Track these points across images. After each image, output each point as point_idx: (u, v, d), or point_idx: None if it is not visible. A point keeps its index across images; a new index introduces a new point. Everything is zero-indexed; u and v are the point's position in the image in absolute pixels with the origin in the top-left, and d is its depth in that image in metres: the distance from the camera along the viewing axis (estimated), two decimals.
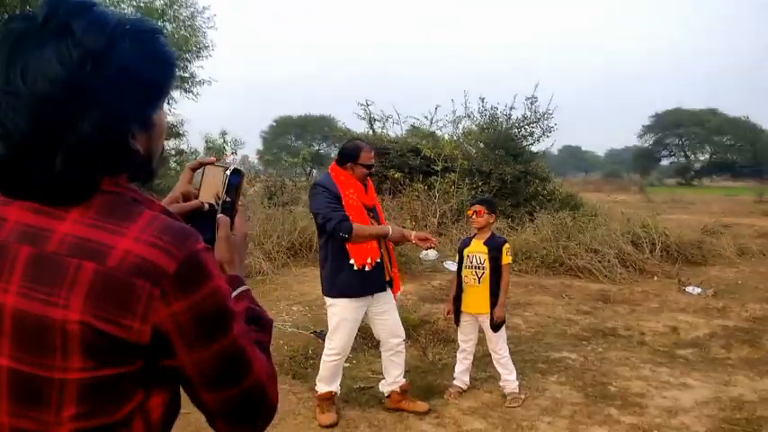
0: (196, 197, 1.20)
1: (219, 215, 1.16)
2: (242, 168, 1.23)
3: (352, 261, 3.66)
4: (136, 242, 0.83)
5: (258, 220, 9.70)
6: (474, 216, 4.30)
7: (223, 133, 13.42)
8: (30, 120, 0.80)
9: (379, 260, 3.74)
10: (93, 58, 0.81)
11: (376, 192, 4.22)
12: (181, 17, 11.27)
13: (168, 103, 11.48)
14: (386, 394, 4.04)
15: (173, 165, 12.62)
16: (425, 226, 10.64)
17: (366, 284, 3.74)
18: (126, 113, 0.86)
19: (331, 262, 3.76)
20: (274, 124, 55.79)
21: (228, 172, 1.19)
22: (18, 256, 0.83)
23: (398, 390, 3.96)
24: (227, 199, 1.18)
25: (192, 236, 0.89)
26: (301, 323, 5.91)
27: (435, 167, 11.83)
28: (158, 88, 0.93)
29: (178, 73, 11.26)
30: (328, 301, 3.85)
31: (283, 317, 6.11)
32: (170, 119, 11.67)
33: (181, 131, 11.77)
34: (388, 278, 3.86)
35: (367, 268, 3.69)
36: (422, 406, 3.93)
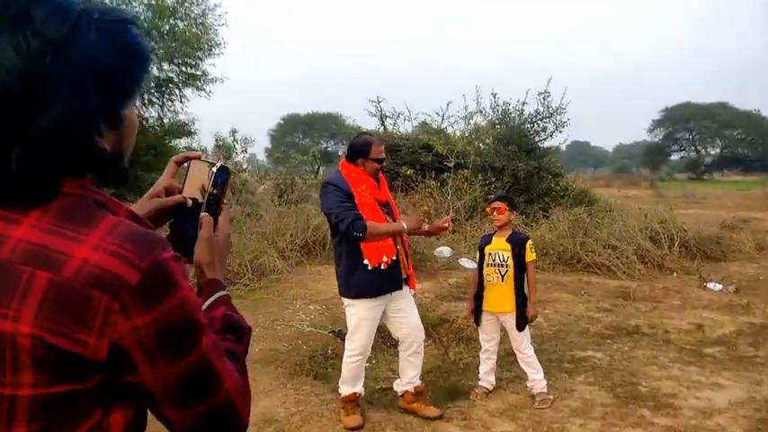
0: (180, 192, 1.13)
1: (203, 214, 1.10)
2: (229, 166, 1.16)
3: (366, 261, 3.56)
4: (95, 250, 0.76)
5: (271, 218, 9.63)
6: (494, 213, 4.19)
7: (233, 132, 13.32)
8: None
9: (395, 258, 3.63)
10: (54, 47, 0.75)
11: (388, 188, 4.11)
12: (192, 15, 11.17)
13: (181, 102, 11.46)
14: (399, 393, 3.95)
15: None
16: None
17: (383, 284, 3.64)
18: (91, 109, 0.79)
19: (346, 262, 3.66)
20: (282, 122, 55.80)
21: (215, 169, 1.12)
22: None
23: (412, 390, 3.86)
24: (213, 194, 1.11)
25: (157, 244, 0.81)
26: (319, 322, 5.82)
27: (448, 164, 11.72)
28: (128, 82, 0.86)
29: (190, 71, 11.40)
30: (345, 301, 3.76)
31: (300, 316, 6.03)
32: (182, 117, 11.63)
33: (192, 130, 11.70)
34: (405, 275, 3.75)
35: (383, 267, 3.58)
36: (433, 411, 3.80)
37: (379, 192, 3.76)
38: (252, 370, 4.41)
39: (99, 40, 0.79)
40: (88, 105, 0.78)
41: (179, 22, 10.95)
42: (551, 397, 4.01)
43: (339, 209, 3.54)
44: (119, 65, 0.82)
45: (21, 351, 0.74)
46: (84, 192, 0.82)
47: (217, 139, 12.99)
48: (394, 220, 3.75)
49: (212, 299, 1.03)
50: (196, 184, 1.13)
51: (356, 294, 3.66)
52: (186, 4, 11.01)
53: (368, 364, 4.71)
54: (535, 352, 4.21)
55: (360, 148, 3.73)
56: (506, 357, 4.66)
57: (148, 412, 0.88)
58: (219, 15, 11.63)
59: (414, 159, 12.71)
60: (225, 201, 1.14)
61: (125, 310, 0.76)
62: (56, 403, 0.76)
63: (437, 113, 14.55)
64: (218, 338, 0.90)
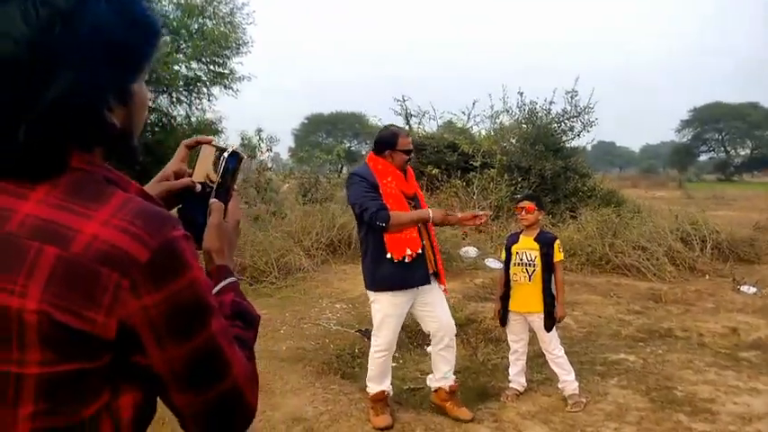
0: (189, 177, 1.11)
1: (212, 200, 1.07)
2: (240, 151, 1.13)
3: (389, 254, 3.51)
4: (104, 226, 0.75)
5: (296, 217, 9.65)
6: (523, 213, 4.12)
7: (258, 131, 13.39)
8: None
9: (420, 251, 3.57)
10: (63, 17, 0.73)
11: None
12: (220, 13, 11.23)
13: (209, 100, 11.52)
14: (432, 389, 3.90)
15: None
16: None
17: (408, 277, 3.58)
18: (99, 80, 0.78)
19: (371, 255, 3.62)
20: (306, 122, 56.03)
21: (226, 154, 1.10)
22: None
23: (447, 388, 3.81)
24: (223, 179, 1.09)
25: (168, 221, 0.80)
26: (345, 321, 5.80)
27: (473, 163, 11.63)
28: (137, 55, 0.84)
29: (218, 69, 11.47)
30: (371, 295, 3.72)
31: (327, 314, 6.01)
32: (209, 116, 11.70)
33: (219, 128, 11.78)
34: (431, 270, 3.69)
35: (407, 260, 3.52)
36: (465, 413, 3.72)
37: (406, 184, 3.71)
38: (280, 368, 4.45)
39: (108, 12, 0.77)
40: (96, 77, 0.77)
41: (207, 20, 11.02)
42: (584, 400, 3.93)
43: (363, 199, 3.52)
44: (128, 37, 0.80)
45: (27, 327, 0.72)
46: (93, 168, 0.80)
47: (242, 138, 13.08)
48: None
49: (221, 285, 1.02)
50: (206, 168, 1.11)
51: (380, 287, 3.62)
52: (215, 3, 11.07)
53: (395, 364, 4.67)
54: (566, 354, 4.13)
55: (387, 139, 3.69)
56: (536, 359, 4.58)
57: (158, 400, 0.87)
58: (247, 14, 11.73)
59: (439, 159, 12.66)
60: (235, 187, 1.12)
61: (135, 288, 0.75)
62: (63, 382, 0.74)
63: (462, 112, 14.50)
64: (227, 323, 0.89)
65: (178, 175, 1.12)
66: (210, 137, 1.17)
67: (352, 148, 41.22)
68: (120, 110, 0.83)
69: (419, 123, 14.14)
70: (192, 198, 1.09)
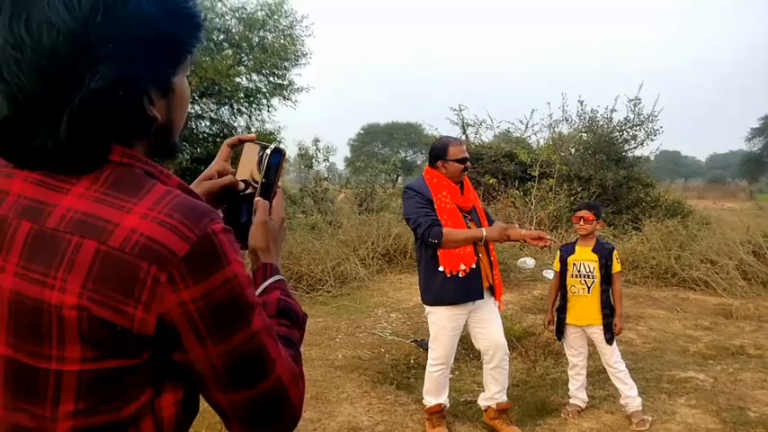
0: (233, 175, 1.09)
1: (257, 198, 1.05)
2: (283, 147, 1.10)
3: (441, 268, 3.45)
4: (143, 219, 0.73)
5: (352, 226, 9.71)
6: (581, 222, 4.00)
7: (315, 141, 13.58)
8: (34, 75, 0.71)
9: (474, 266, 3.48)
10: (105, 6, 0.72)
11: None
12: (280, 26, 11.47)
13: (268, 111, 11.78)
14: (482, 408, 3.81)
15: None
16: None
17: (461, 292, 3.50)
18: (140, 72, 0.76)
19: (425, 268, 3.57)
20: (362, 132, 56.45)
21: (268, 151, 1.07)
22: (17, 232, 0.74)
23: (495, 406, 3.71)
24: (266, 177, 1.06)
25: (208, 214, 0.78)
26: (401, 331, 5.77)
27: (531, 173, 11.44)
28: (178, 47, 0.83)
29: (277, 81, 11.72)
30: (426, 308, 3.67)
31: (382, 324, 6.00)
32: (268, 126, 11.94)
33: (278, 139, 12.00)
34: (487, 285, 3.61)
35: (460, 275, 3.45)
36: (514, 431, 3.64)
37: (462, 198, 3.63)
38: (335, 377, 4.45)
39: (149, 3, 0.76)
40: (137, 69, 0.76)
41: (268, 33, 11.28)
42: (649, 418, 3.76)
43: (416, 214, 3.48)
44: (169, 29, 0.79)
45: (67, 323, 0.71)
46: (133, 161, 0.79)
47: (300, 148, 13.28)
48: (479, 228, 3.62)
49: (267, 283, 0.99)
50: (249, 166, 1.10)
51: (434, 301, 3.57)
52: (275, 17, 11.32)
53: (452, 376, 4.60)
54: (630, 370, 3.98)
55: (438, 150, 3.64)
56: (598, 374, 4.43)
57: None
58: (306, 26, 11.95)
59: (496, 168, 12.54)
60: (279, 184, 1.10)
61: (173, 282, 0.73)
62: (104, 380, 0.73)
63: (520, 122, 14.33)
64: (270, 320, 0.86)
65: (221, 174, 1.11)
66: (252, 134, 1.16)
67: (408, 158, 41.25)
68: (160, 102, 0.82)
69: (476, 133, 14.07)
70: (236, 197, 1.08)
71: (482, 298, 3.56)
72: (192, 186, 1.07)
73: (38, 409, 0.73)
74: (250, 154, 1.10)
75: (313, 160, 13.16)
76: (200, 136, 11.53)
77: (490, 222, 3.72)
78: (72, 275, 0.71)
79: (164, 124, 0.83)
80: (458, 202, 3.58)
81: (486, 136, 14.29)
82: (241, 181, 1.09)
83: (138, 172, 0.79)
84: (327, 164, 15.13)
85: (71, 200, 0.74)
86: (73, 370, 0.72)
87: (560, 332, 4.07)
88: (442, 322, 3.58)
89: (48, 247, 0.72)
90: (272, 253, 1.04)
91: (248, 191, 1.08)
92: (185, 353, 0.76)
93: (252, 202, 1.06)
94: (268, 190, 1.07)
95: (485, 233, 3.50)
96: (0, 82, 0.73)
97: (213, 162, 1.12)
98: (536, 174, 11.31)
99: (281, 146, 1.11)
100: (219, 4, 10.99)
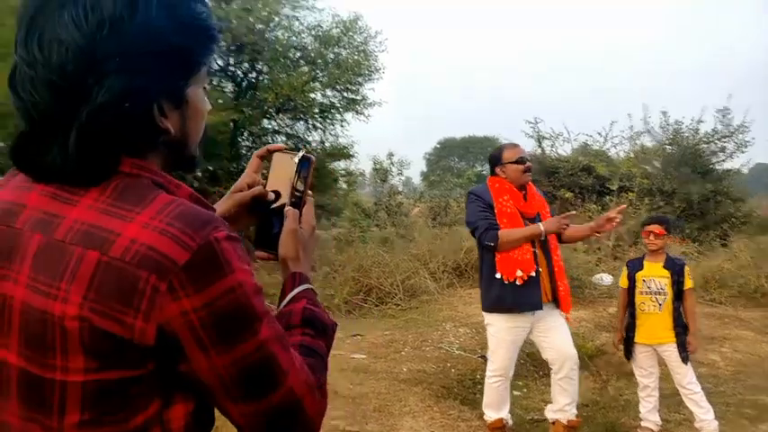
0: (264, 187, 1.09)
1: (287, 207, 1.05)
2: (311, 155, 1.10)
3: (498, 275, 3.38)
4: (144, 229, 0.73)
5: (424, 240, 9.71)
6: (651, 237, 3.83)
7: (390, 155, 13.70)
8: (47, 92, 0.74)
9: (533, 274, 3.38)
10: (112, 22, 0.73)
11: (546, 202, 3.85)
12: (354, 43, 11.71)
13: (342, 125, 12.04)
14: (550, 420, 3.70)
15: (342, 185, 13.14)
16: (598, 248, 9.96)
17: (518, 300, 3.40)
18: (149, 85, 0.77)
19: (485, 274, 3.52)
20: (438, 146, 56.45)
21: (296, 159, 1.07)
22: (29, 244, 0.76)
23: (564, 422, 3.59)
24: (296, 185, 1.06)
25: (211, 222, 0.76)
26: (468, 346, 5.71)
27: (610, 186, 11.09)
28: (189, 59, 0.82)
29: (351, 96, 11.96)
30: (485, 317, 3.61)
31: (450, 338, 5.95)
32: (342, 140, 12.19)
33: (351, 153, 12.22)
34: (546, 299, 3.48)
35: (518, 282, 3.36)
36: None
37: (525, 204, 3.55)
38: (399, 390, 4.46)
39: (159, 17, 0.76)
40: (145, 81, 0.76)
41: (342, 50, 11.54)
42: None
43: (476, 218, 3.47)
44: (181, 41, 0.79)
45: (69, 334, 0.71)
46: (142, 172, 0.79)
47: (374, 162, 13.44)
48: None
49: (294, 292, 0.98)
50: (279, 176, 1.09)
51: (491, 308, 3.51)
52: (350, 34, 11.58)
53: (519, 393, 4.52)
54: (711, 394, 3.78)
55: (493, 159, 3.64)
56: (672, 397, 4.22)
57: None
58: (380, 42, 12.15)
59: (572, 182, 12.23)
60: (309, 192, 1.09)
61: (173, 291, 0.72)
62: (108, 391, 0.73)
63: (599, 134, 13.93)
64: (282, 329, 0.84)
65: (251, 187, 1.10)
66: (281, 144, 1.15)
67: (484, 172, 40.89)
68: (173, 114, 0.82)
69: (552, 146, 13.78)
70: (267, 207, 1.08)
71: (540, 309, 3.46)
72: (223, 199, 1.10)
73: (46, 420, 0.74)
74: (279, 164, 1.10)
75: (387, 174, 13.30)
76: None
77: (558, 236, 3.63)
78: (74, 286, 0.72)
79: (178, 136, 0.84)
80: (520, 207, 3.52)
81: (564, 149, 13.98)
82: (271, 192, 1.09)
83: (146, 182, 0.79)
84: (402, 178, 15.23)
85: (79, 211, 0.75)
86: (77, 381, 0.72)
87: (629, 351, 3.92)
88: (501, 335, 3.52)
89: (54, 259, 0.73)
90: (302, 262, 1.03)
91: (279, 201, 1.09)
92: (190, 363, 0.75)
93: (283, 213, 1.06)
94: (298, 198, 1.07)
95: (542, 227, 3.41)
96: (16, 99, 0.76)
97: (243, 174, 1.11)
98: (615, 187, 10.96)
99: (309, 153, 1.11)
100: (297, 23, 11.33)
